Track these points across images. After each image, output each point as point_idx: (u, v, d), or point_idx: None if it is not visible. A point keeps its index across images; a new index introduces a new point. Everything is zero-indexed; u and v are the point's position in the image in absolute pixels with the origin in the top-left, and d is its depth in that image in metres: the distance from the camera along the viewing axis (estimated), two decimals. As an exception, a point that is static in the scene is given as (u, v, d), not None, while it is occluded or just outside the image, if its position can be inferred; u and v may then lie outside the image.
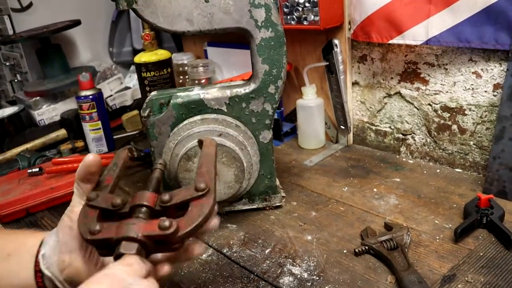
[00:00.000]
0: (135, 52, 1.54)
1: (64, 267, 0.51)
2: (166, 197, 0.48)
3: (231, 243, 0.75)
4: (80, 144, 1.21)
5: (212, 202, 0.47)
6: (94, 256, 0.52)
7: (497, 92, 0.83)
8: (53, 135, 1.25)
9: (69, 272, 0.51)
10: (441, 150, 0.96)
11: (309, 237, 0.75)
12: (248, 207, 0.84)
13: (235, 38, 1.25)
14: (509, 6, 0.74)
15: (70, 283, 0.52)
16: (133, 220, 0.46)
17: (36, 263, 0.52)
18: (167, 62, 1.08)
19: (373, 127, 1.08)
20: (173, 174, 0.75)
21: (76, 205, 0.53)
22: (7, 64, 1.52)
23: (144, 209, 0.48)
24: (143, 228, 0.45)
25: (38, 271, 0.52)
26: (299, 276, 0.66)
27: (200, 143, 0.59)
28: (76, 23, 1.36)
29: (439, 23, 0.83)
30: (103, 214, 0.49)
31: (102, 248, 0.48)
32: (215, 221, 0.52)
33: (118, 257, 0.44)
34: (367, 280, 0.64)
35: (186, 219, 0.46)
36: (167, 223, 0.44)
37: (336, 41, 0.99)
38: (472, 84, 0.86)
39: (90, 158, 0.51)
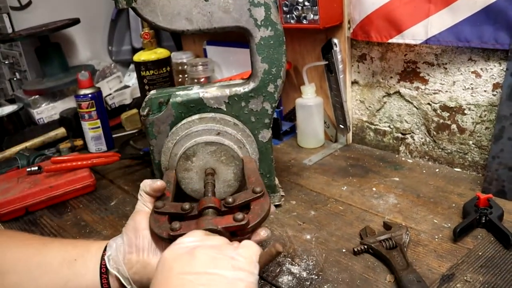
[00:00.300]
0: (134, 50, 1.54)
1: (131, 265, 0.57)
2: (230, 199, 0.58)
3: (230, 242, 0.75)
4: (79, 142, 1.21)
5: (269, 201, 0.57)
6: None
7: (496, 92, 0.83)
8: (52, 133, 1.25)
9: (137, 269, 0.57)
10: (440, 150, 0.96)
11: (308, 236, 0.75)
12: (247, 206, 0.84)
13: (235, 37, 1.25)
14: (508, 6, 0.74)
15: (137, 281, 0.57)
16: (207, 217, 0.55)
17: (102, 266, 0.57)
18: (166, 61, 1.08)
19: (372, 127, 1.08)
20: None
21: (140, 210, 0.60)
22: (6, 62, 1.52)
23: (211, 210, 0.56)
24: (220, 221, 0.53)
25: (103, 273, 0.57)
26: (298, 275, 0.66)
27: (242, 161, 0.71)
28: (75, 21, 1.36)
29: (438, 22, 0.83)
30: (171, 219, 0.57)
31: None
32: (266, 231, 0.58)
33: None
34: (366, 279, 0.64)
35: (252, 214, 0.55)
36: (240, 216, 0.53)
37: (335, 40, 0.98)
38: (471, 84, 0.86)
39: (159, 184, 0.60)
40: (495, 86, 0.83)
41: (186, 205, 0.57)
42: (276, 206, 0.85)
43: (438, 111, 0.94)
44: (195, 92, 0.76)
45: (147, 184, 0.60)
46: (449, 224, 0.75)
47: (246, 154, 0.75)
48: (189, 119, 0.75)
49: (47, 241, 0.61)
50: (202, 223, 0.53)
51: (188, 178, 0.72)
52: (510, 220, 0.74)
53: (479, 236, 0.71)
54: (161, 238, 0.54)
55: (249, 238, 0.56)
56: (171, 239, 0.52)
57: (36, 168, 0.99)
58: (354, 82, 1.08)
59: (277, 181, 0.88)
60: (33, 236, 0.68)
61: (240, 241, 0.53)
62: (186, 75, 1.35)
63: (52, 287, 0.56)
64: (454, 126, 0.92)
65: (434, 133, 0.96)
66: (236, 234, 0.55)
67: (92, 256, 0.58)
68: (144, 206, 0.60)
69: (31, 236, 0.67)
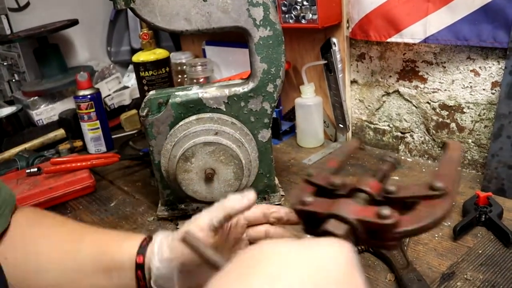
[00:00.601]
0: (133, 51, 1.54)
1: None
2: (392, 187, 0.43)
3: (230, 242, 0.75)
4: (78, 143, 1.21)
5: (447, 207, 0.40)
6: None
7: (495, 90, 0.83)
8: (51, 135, 1.25)
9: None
10: (439, 148, 0.96)
11: (309, 236, 0.75)
12: (247, 206, 0.84)
13: (234, 37, 1.25)
14: (507, 4, 0.74)
15: None
16: (349, 200, 0.42)
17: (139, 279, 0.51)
18: (165, 61, 1.08)
19: (372, 126, 1.08)
20: (172, 176, 0.75)
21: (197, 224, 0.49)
22: (4, 64, 1.52)
23: (364, 194, 0.43)
24: (358, 211, 0.40)
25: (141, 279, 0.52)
26: (298, 274, 0.66)
27: (444, 146, 0.55)
28: (73, 22, 1.36)
29: (437, 21, 0.83)
30: (320, 192, 0.46)
31: (308, 224, 0.45)
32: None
33: (322, 234, 0.39)
34: (366, 278, 0.64)
35: (411, 216, 0.40)
36: (387, 211, 0.38)
37: (334, 40, 0.98)
38: (470, 82, 0.87)
39: (250, 198, 0.48)
40: (494, 84, 0.83)
41: (337, 180, 0.46)
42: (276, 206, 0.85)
43: (437, 110, 0.94)
44: (195, 92, 0.76)
45: (234, 205, 0.48)
46: (449, 223, 0.75)
47: (245, 153, 0.75)
48: (186, 120, 0.75)
49: (80, 236, 0.56)
50: (335, 206, 0.41)
51: (188, 179, 0.72)
52: (510, 218, 0.74)
53: (478, 235, 0.71)
54: (294, 210, 0.45)
55: (391, 247, 0.41)
56: (298, 213, 0.45)
57: (36, 169, 0.99)
58: (353, 82, 1.08)
59: (277, 181, 0.88)
60: (67, 223, 0.61)
61: (380, 246, 0.41)
62: (185, 76, 1.35)
63: None
64: (453, 124, 0.92)
65: (434, 131, 0.96)
66: (375, 235, 0.40)
67: (127, 271, 0.52)
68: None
69: (65, 223, 0.60)
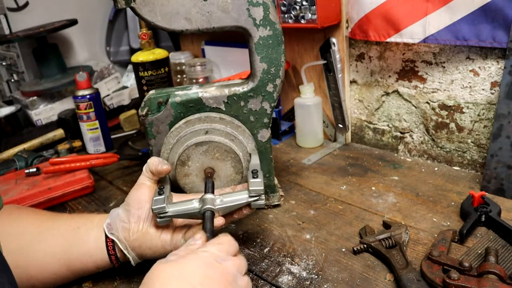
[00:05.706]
0: (132, 51, 1.54)
1: (131, 232, 0.63)
2: None
3: (230, 242, 0.75)
4: (77, 144, 1.21)
5: None
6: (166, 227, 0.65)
7: (494, 90, 0.84)
8: (50, 135, 1.25)
9: (138, 236, 0.63)
10: (439, 148, 0.96)
11: (308, 236, 0.75)
12: (246, 206, 0.84)
13: (233, 37, 1.25)
14: (506, 4, 0.74)
15: (135, 248, 0.64)
16: (491, 280, 0.56)
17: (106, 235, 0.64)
18: (165, 61, 1.08)
19: (371, 126, 1.08)
20: (175, 183, 0.75)
21: (143, 183, 0.66)
22: (3, 63, 1.52)
23: (494, 277, 0.56)
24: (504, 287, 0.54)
25: (110, 240, 0.64)
26: (298, 275, 0.66)
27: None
28: (72, 22, 1.36)
29: (436, 21, 0.83)
30: (443, 270, 0.61)
31: None
32: None
33: None
34: (365, 278, 0.64)
35: None
36: None
37: (333, 40, 0.99)
38: (469, 82, 0.87)
39: (164, 168, 0.65)
40: (493, 84, 0.83)
41: (466, 263, 0.60)
42: (275, 206, 0.85)
43: (437, 110, 0.94)
44: (194, 92, 0.76)
45: (154, 164, 0.65)
46: (449, 223, 0.75)
47: (240, 145, 0.74)
48: (176, 125, 0.75)
49: (57, 213, 0.71)
50: (486, 283, 0.55)
51: (191, 182, 0.72)
52: (509, 218, 0.74)
53: (478, 235, 0.71)
54: (432, 283, 0.59)
55: None
56: (444, 286, 0.57)
57: (35, 169, 0.98)
58: (353, 81, 1.08)
59: (276, 181, 0.87)
60: (45, 210, 0.75)
61: None
62: (184, 75, 1.35)
63: (59, 248, 0.64)
64: (452, 124, 0.92)
65: (433, 131, 0.96)
66: None
67: (94, 225, 0.66)
68: (146, 181, 0.66)
69: (42, 210, 0.75)
